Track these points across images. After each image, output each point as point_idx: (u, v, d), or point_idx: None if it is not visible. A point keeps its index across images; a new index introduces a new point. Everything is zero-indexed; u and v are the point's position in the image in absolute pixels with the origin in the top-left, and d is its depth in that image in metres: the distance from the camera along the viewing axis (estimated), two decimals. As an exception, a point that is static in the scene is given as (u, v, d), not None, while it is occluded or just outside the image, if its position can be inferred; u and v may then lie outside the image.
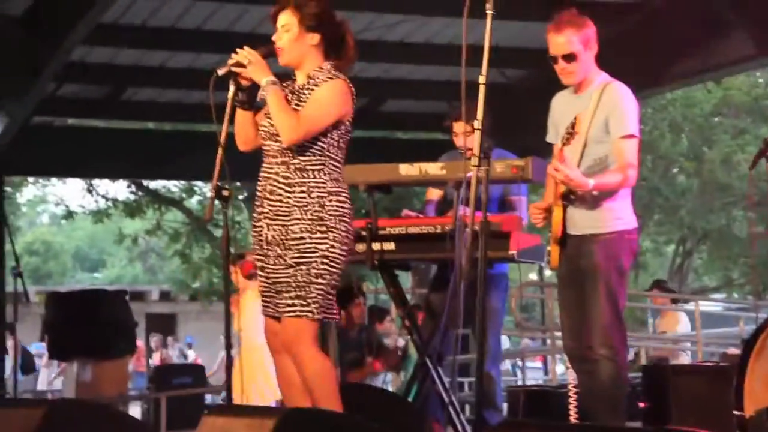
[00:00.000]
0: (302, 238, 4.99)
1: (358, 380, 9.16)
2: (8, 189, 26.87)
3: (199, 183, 27.13)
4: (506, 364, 20.11)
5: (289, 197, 5.02)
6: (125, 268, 48.48)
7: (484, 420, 5.21)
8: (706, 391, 6.33)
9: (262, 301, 5.15)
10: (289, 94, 5.13)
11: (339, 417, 4.63)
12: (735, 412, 5.53)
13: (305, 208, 5.00)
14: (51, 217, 49.71)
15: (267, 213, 5.08)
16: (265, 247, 5.08)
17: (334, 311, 5.13)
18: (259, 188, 5.13)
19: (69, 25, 10.51)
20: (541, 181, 5.84)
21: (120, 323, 12.41)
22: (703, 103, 24.62)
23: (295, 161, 5.04)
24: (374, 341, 10.37)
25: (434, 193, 7.06)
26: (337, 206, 5.04)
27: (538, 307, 24.48)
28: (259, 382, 8.53)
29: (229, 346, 5.28)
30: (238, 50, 5.06)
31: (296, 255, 4.99)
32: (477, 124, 4.59)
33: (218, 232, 26.02)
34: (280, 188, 5.04)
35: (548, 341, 13.00)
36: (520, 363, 18.52)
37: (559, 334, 7.79)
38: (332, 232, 5.01)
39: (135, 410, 15.08)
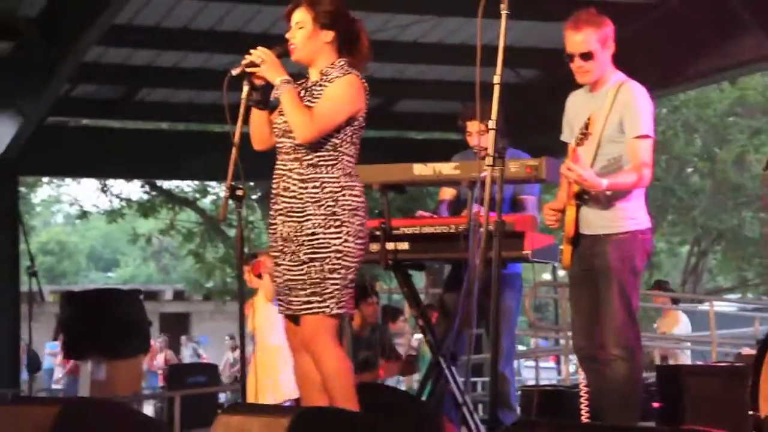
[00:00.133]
0: (315, 233, 4.99)
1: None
2: (23, 189, 26.98)
3: (212, 183, 27.18)
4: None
5: (302, 193, 5.02)
6: (139, 267, 48.59)
7: (498, 420, 5.20)
8: (721, 392, 6.31)
9: (278, 299, 5.15)
10: (302, 92, 5.13)
11: (353, 416, 4.63)
12: (750, 413, 5.52)
13: (318, 204, 5.00)
14: (65, 217, 49.86)
15: (281, 210, 5.08)
16: (281, 244, 5.08)
17: (351, 306, 5.10)
18: (274, 186, 5.14)
19: (83, 26, 10.55)
20: (555, 180, 5.84)
21: (134, 322, 12.44)
22: (716, 103, 24.57)
23: (309, 157, 5.04)
24: (386, 343, 10.37)
25: (447, 193, 7.05)
26: (350, 200, 5.03)
27: (552, 307, 24.45)
28: (271, 383, 8.54)
29: (243, 346, 5.28)
30: (251, 50, 5.07)
31: (309, 251, 4.99)
32: (491, 123, 4.59)
33: (231, 232, 26.12)
34: (293, 184, 5.05)
35: (561, 341, 12.99)
36: (527, 363, 18.52)
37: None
38: (346, 226, 5.00)
39: (149, 409, 15.12)
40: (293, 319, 5.09)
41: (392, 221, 6.25)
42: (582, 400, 6.13)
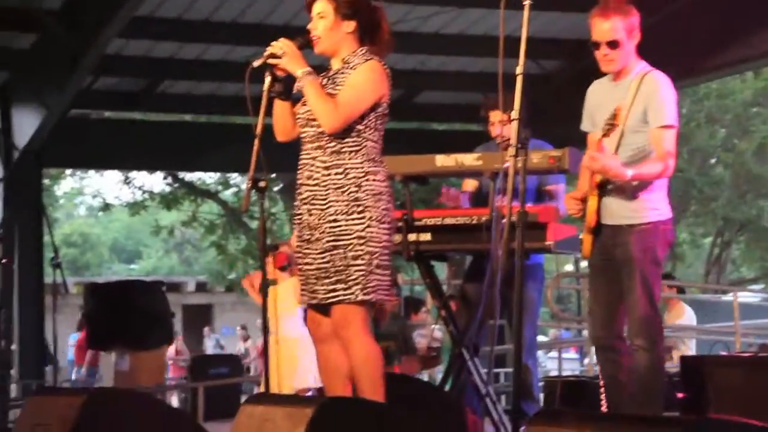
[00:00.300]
0: (337, 220, 4.98)
1: None
2: (46, 181, 27.08)
3: (234, 175, 27.23)
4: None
5: (326, 180, 5.02)
6: (161, 259, 48.75)
7: (521, 410, 5.20)
8: (745, 382, 6.30)
9: (302, 289, 5.14)
10: (325, 81, 5.13)
11: (377, 406, 4.64)
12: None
13: (341, 190, 4.99)
14: (88, 209, 50.05)
15: (306, 199, 5.08)
16: (305, 233, 5.08)
17: (388, 293, 5.06)
18: (299, 176, 5.14)
19: (105, 18, 10.58)
20: (578, 171, 5.83)
21: (157, 314, 12.49)
22: (737, 94, 24.49)
23: (332, 145, 5.03)
24: (407, 337, 10.38)
25: (469, 185, 7.05)
26: (374, 186, 5.01)
27: (574, 298, 24.44)
28: (291, 373, 8.56)
29: (266, 337, 5.30)
30: (273, 42, 5.07)
31: (332, 238, 4.98)
32: (514, 114, 4.59)
33: (253, 224, 26.19)
34: (317, 172, 5.04)
35: (584, 332, 12.97)
36: (550, 354, 18.50)
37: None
38: (368, 211, 4.97)
39: (173, 401, 15.18)
40: (320, 308, 5.09)
41: (414, 212, 6.26)
42: (602, 390, 6.12)
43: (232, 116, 16.14)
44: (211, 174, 27.50)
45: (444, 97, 15.71)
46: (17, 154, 13.53)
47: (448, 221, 6.25)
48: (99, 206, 33.57)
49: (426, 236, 6.27)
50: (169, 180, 27.92)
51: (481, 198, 6.83)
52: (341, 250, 4.96)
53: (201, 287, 36.72)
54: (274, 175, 23.03)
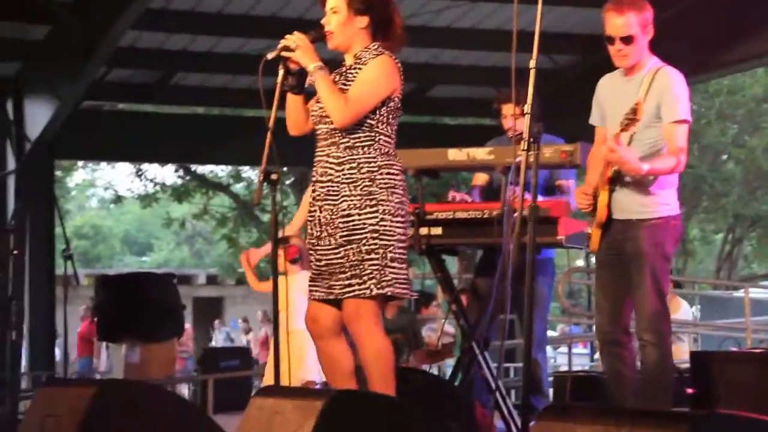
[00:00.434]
0: (350, 215, 4.97)
1: None
2: (58, 173, 27.13)
3: (245, 168, 27.26)
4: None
5: (339, 176, 5.02)
6: (172, 251, 48.82)
7: (531, 405, 5.20)
8: (756, 378, 6.29)
9: (310, 284, 5.14)
10: (337, 76, 5.13)
11: (387, 399, 4.64)
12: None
13: (354, 184, 4.98)
14: (100, 201, 50.14)
15: (319, 195, 5.08)
16: (317, 229, 5.08)
17: (405, 286, 5.06)
18: (313, 173, 5.15)
19: (119, 10, 10.59)
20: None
21: (168, 306, 12.50)
22: (747, 90, 24.46)
23: (345, 140, 5.03)
24: (416, 332, 10.37)
25: (480, 179, 7.05)
26: (388, 179, 5.01)
27: (585, 293, 24.42)
28: (296, 365, 8.56)
29: (277, 329, 5.30)
30: (287, 35, 5.08)
31: (345, 234, 4.98)
32: (527, 108, 4.58)
33: (265, 217, 26.20)
34: (330, 168, 5.04)
35: (594, 327, 12.95)
36: (561, 349, 18.49)
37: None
38: (382, 205, 4.97)
39: (183, 392, 15.21)
40: (328, 303, 5.09)
41: (426, 206, 6.26)
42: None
43: (245, 109, 16.16)
44: (223, 167, 27.54)
45: (456, 91, 15.70)
46: (29, 146, 13.55)
47: (460, 215, 6.25)
48: (111, 198, 33.64)
49: (437, 230, 6.27)
50: (181, 173, 27.96)
51: (492, 192, 6.83)
52: (355, 245, 4.96)
53: (212, 280, 36.77)
54: (285, 169, 23.05)
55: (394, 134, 5.11)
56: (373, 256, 4.94)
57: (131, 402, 4.89)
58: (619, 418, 3.23)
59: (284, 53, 5.05)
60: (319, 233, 5.06)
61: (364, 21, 5.10)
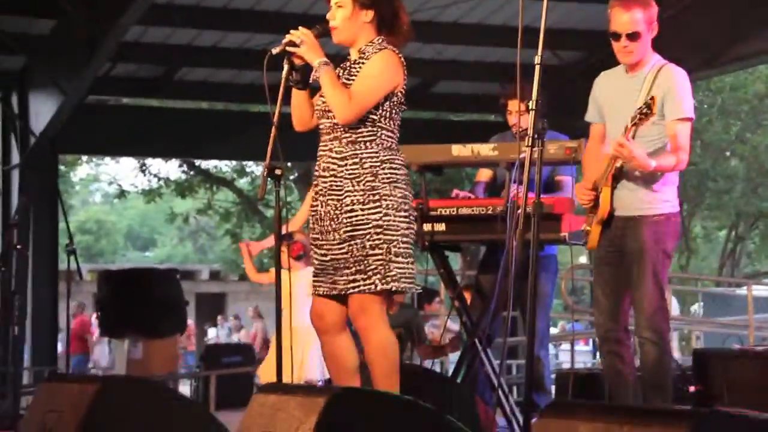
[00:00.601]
0: (353, 210, 4.97)
1: None
2: (62, 168, 27.15)
3: (249, 163, 27.24)
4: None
5: (342, 171, 5.01)
6: (176, 247, 48.83)
7: (533, 402, 5.19)
8: (759, 376, 6.29)
9: (314, 280, 5.14)
10: (341, 71, 5.13)
11: (390, 397, 4.64)
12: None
13: (357, 179, 4.98)
14: (103, 196, 50.15)
15: (322, 190, 5.08)
16: (320, 224, 5.08)
17: (410, 280, 5.05)
18: (316, 167, 5.14)
19: (124, 5, 10.58)
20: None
21: (171, 302, 12.51)
22: (749, 86, 24.46)
23: (347, 135, 5.02)
24: (420, 328, 10.37)
25: (484, 175, 7.04)
26: (390, 173, 5.00)
27: (587, 289, 24.41)
28: (299, 362, 8.56)
29: (280, 326, 5.29)
30: (292, 30, 5.06)
31: (349, 229, 4.97)
32: (531, 105, 4.57)
33: (269, 212, 26.22)
34: (333, 164, 5.04)
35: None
36: (564, 346, 18.48)
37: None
38: (385, 200, 4.96)
39: (184, 389, 15.21)
40: (333, 298, 5.09)
41: (429, 202, 6.25)
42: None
43: (250, 104, 16.15)
44: (227, 162, 27.53)
45: (461, 87, 15.68)
46: (33, 140, 13.55)
47: (463, 211, 6.25)
48: (114, 193, 33.66)
49: (440, 226, 6.27)
50: (185, 167, 27.95)
51: (495, 188, 6.82)
52: (359, 240, 4.95)
53: (215, 276, 36.77)
54: (290, 164, 23.04)
55: (397, 129, 5.10)
56: (377, 251, 4.94)
57: (133, 399, 4.89)
58: (621, 416, 3.23)
59: (289, 48, 5.04)
60: (322, 228, 5.06)
61: (369, 15, 5.08)
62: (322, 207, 5.06)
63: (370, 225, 4.95)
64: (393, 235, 4.96)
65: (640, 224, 5.49)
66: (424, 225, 6.22)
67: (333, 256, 5.02)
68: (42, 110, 13.18)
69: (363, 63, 5.06)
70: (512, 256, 4.97)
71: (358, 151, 5.00)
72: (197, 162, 27.27)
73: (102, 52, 11.57)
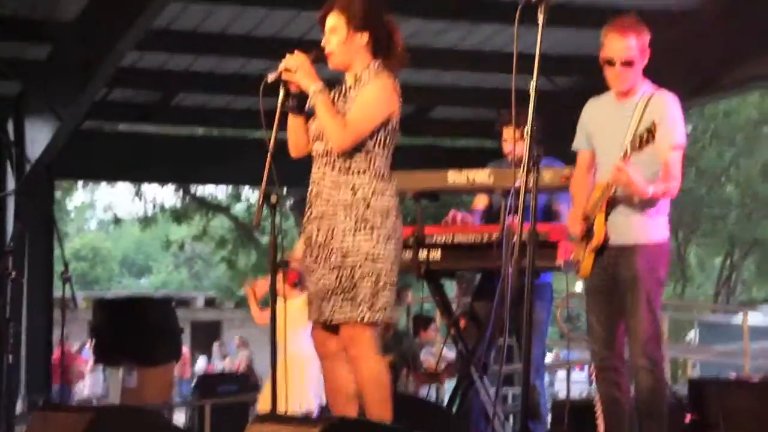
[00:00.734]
0: (345, 239, 4.96)
1: None
2: (57, 194, 27.10)
3: (245, 189, 27.22)
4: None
5: (334, 198, 5.00)
6: (171, 274, 48.75)
7: (529, 431, 5.16)
8: (755, 406, 6.26)
9: (309, 307, 5.12)
10: (337, 95, 5.11)
11: (382, 427, 4.61)
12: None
13: (350, 208, 4.98)
14: (99, 223, 50.11)
15: (314, 216, 5.06)
16: (314, 250, 5.06)
17: (392, 311, 5.05)
18: (309, 192, 5.13)
19: (120, 30, 10.57)
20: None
21: (166, 330, 12.46)
22: (742, 112, 24.53)
23: (341, 162, 5.02)
24: (415, 355, 10.34)
25: (481, 202, 7.03)
26: (382, 203, 5.00)
27: (583, 317, 24.39)
28: (297, 391, 8.53)
29: (274, 354, 5.26)
30: (288, 56, 5.05)
31: (340, 256, 4.97)
32: (527, 131, 4.56)
33: (264, 239, 26.15)
34: (326, 190, 5.03)
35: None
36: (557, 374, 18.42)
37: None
38: (377, 230, 4.96)
39: (179, 418, 15.13)
40: (327, 326, 5.06)
41: (425, 229, 6.23)
42: (597, 412, 6.08)
43: (246, 130, 16.13)
44: (223, 188, 27.51)
45: (457, 113, 15.67)
46: (29, 167, 13.52)
47: (459, 239, 6.23)
48: (110, 220, 33.62)
49: (436, 254, 6.25)
50: (180, 194, 27.94)
51: (492, 215, 6.81)
52: (349, 269, 4.94)
53: (210, 303, 36.66)
54: (285, 191, 23.02)
55: (390, 156, 5.09)
56: (366, 280, 4.93)
57: (127, 428, 4.86)
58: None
59: (285, 75, 5.03)
60: (314, 255, 5.04)
61: (364, 38, 5.07)
62: (315, 233, 5.05)
63: (362, 254, 4.94)
64: (384, 265, 4.96)
65: (634, 252, 5.47)
66: (420, 252, 6.20)
67: (324, 283, 5.00)
68: (38, 136, 13.14)
69: (359, 89, 5.05)
70: (508, 283, 4.94)
71: (351, 179, 4.99)
72: (192, 188, 27.25)
73: (98, 78, 11.55)
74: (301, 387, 8.22)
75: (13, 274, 9.66)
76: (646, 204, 5.45)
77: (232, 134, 17.14)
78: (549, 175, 5.93)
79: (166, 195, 29.14)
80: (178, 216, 28.00)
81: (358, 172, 5.00)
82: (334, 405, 5.12)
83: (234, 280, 28.85)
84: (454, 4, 11.97)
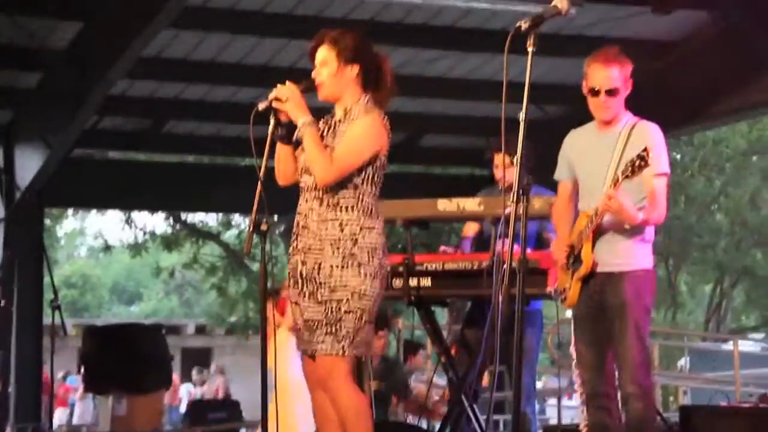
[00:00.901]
0: (331, 274, 4.97)
1: None
2: (47, 222, 27.07)
3: (235, 216, 27.22)
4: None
5: (321, 233, 5.01)
6: (161, 301, 48.67)
7: (520, 458, 5.17)
8: (746, 433, 6.27)
9: (296, 337, 5.13)
10: (327, 129, 5.13)
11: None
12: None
13: (336, 244, 4.98)
14: (89, 250, 50.02)
15: (300, 249, 5.07)
16: (299, 282, 5.07)
17: (371, 347, 5.09)
18: (295, 223, 5.14)
19: (111, 59, 10.59)
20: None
21: (156, 358, 12.44)
22: (731, 141, 24.61)
23: (329, 196, 5.03)
24: (405, 381, 10.31)
25: (471, 229, 7.04)
26: (369, 241, 5.01)
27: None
28: (288, 419, 8.51)
29: (265, 382, 5.25)
30: (278, 85, 5.07)
31: (327, 291, 4.98)
32: (516, 159, 4.57)
33: (255, 266, 26.10)
34: (314, 224, 5.04)
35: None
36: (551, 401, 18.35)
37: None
38: (364, 267, 4.97)
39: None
40: (312, 356, 5.07)
41: (415, 257, 6.24)
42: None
43: (236, 157, 16.15)
44: (213, 215, 27.50)
45: (447, 141, 15.72)
46: (19, 194, 13.51)
47: (449, 266, 6.24)
48: (100, 247, 33.55)
49: (426, 281, 6.25)
50: (171, 221, 27.92)
51: (483, 242, 6.82)
52: (335, 304, 4.96)
53: (200, 330, 36.58)
54: (276, 218, 23.02)
55: (378, 192, 5.10)
56: (350, 316, 4.95)
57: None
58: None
59: (275, 104, 5.04)
60: (301, 287, 5.05)
61: (354, 70, 5.08)
62: (300, 265, 5.05)
63: (348, 290, 4.95)
64: (368, 302, 4.98)
65: (621, 279, 5.49)
66: (410, 280, 6.21)
67: (309, 316, 5.02)
68: (28, 164, 13.15)
69: (348, 124, 5.06)
70: (498, 311, 4.95)
71: (338, 215, 5.00)
72: (183, 216, 27.24)
73: (88, 106, 11.58)
74: (292, 413, 8.21)
75: (2, 302, 9.67)
76: (632, 231, 5.47)
77: (222, 162, 17.16)
78: (539, 203, 5.95)
79: (157, 222, 29.17)
80: (169, 243, 27.95)
81: (347, 208, 5.01)
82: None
83: (224, 307, 28.76)
84: (444, 34, 12.03)
